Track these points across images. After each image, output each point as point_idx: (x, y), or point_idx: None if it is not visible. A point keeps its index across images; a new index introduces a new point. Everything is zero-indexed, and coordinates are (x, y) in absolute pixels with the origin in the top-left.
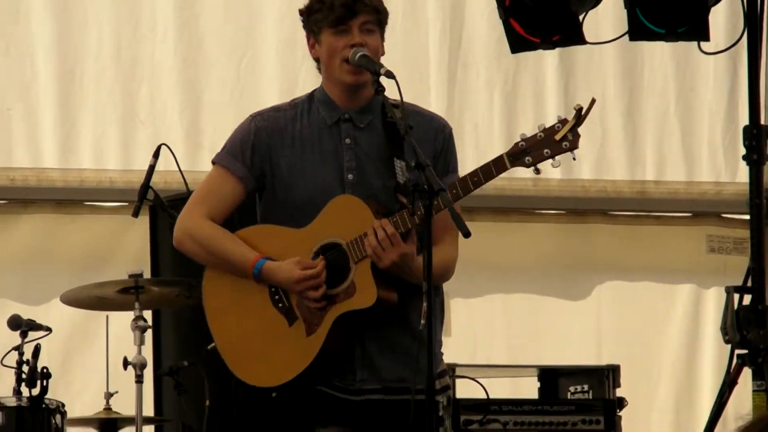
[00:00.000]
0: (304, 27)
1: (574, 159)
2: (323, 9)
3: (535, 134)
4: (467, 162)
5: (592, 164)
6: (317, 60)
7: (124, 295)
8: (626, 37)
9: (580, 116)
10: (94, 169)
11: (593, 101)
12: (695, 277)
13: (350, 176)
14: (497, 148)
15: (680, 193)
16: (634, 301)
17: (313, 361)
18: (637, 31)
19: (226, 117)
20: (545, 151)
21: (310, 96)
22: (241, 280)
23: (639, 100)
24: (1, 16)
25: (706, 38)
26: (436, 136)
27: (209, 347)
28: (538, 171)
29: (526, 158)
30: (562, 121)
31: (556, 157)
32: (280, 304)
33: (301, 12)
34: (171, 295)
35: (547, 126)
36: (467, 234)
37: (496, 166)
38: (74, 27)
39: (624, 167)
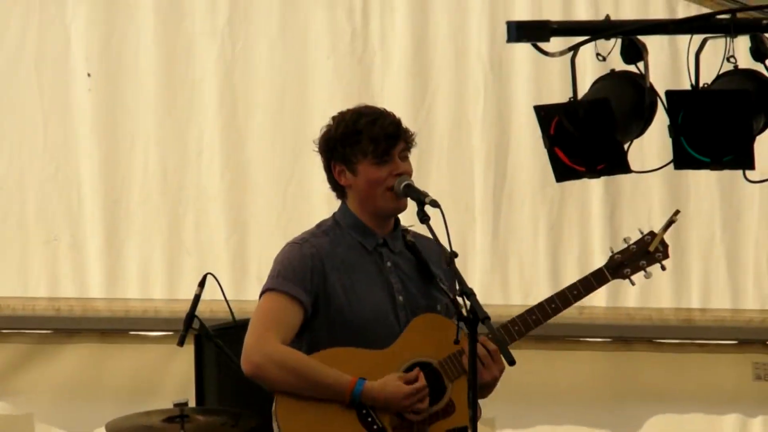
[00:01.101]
0: (332, 154)
1: (663, 269)
2: (363, 140)
3: (628, 246)
4: (512, 291)
5: (638, 292)
6: (344, 187)
7: (170, 424)
8: (671, 165)
9: (668, 227)
10: (140, 298)
11: (677, 212)
12: (741, 406)
13: (400, 298)
14: (542, 278)
15: (726, 320)
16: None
17: None
18: (683, 160)
19: (273, 244)
20: (641, 262)
21: (336, 221)
22: (319, 402)
23: (685, 228)
24: (50, 142)
25: (752, 167)
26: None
27: None
28: (633, 282)
29: (625, 270)
30: (650, 234)
31: (649, 269)
32: (375, 426)
33: (327, 140)
34: (216, 424)
35: (635, 239)
36: (512, 362)
37: (597, 279)
38: (121, 153)
39: (670, 295)
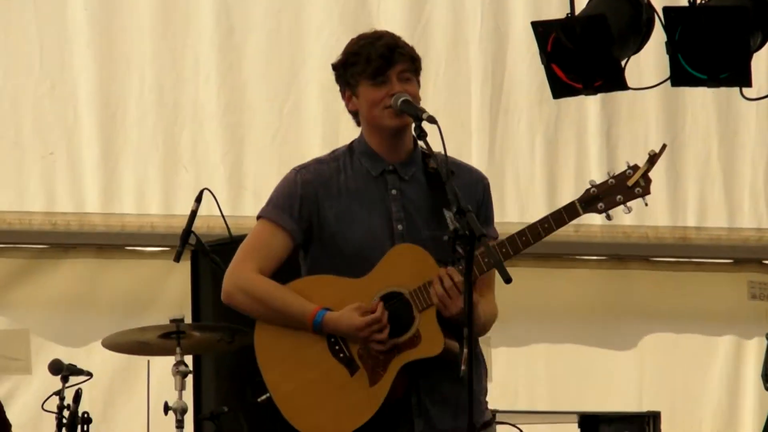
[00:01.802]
0: (339, 81)
1: (646, 205)
2: (360, 62)
3: (606, 180)
4: (509, 207)
5: (634, 210)
6: (354, 113)
7: (166, 340)
8: (668, 82)
9: (652, 162)
10: (136, 214)
11: (664, 146)
12: (736, 324)
13: (399, 227)
14: (539, 194)
15: (722, 239)
16: (676, 349)
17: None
18: (680, 77)
19: (268, 161)
20: (618, 197)
21: (350, 148)
22: (295, 331)
23: (681, 146)
24: (46, 59)
25: (748, 84)
26: (476, 187)
27: (261, 399)
28: (609, 217)
29: (599, 204)
30: (633, 167)
31: (628, 203)
32: (341, 355)
33: (335, 66)
34: (212, 341)
35: (617, 172)
36: (508, 280)
37: (568, 213)
38: (117, 71)
39: (666, 213)
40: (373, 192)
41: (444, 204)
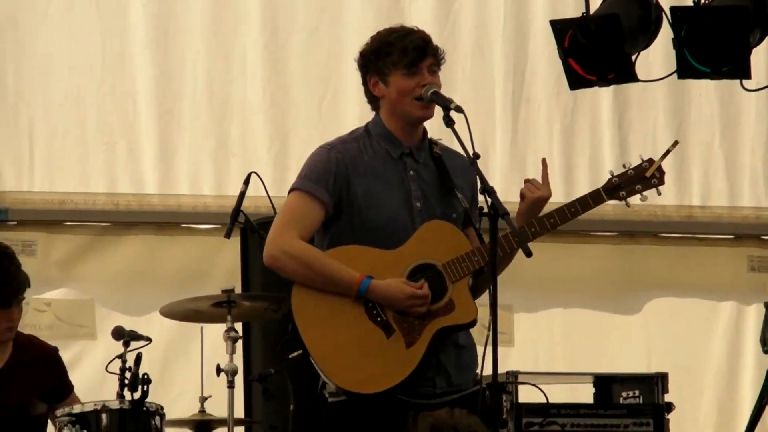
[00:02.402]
0: (367, 67)
1: (659, 194)
2: (394, 52)
3: (626, 171)
4: None
5: (653, 192)
6: (377, 98)
7: (218, 308)
8: (675, 75)
9: (666, 155)
10: (191, 194)
11: (676, 142)
12: (737, 294)
13: (418, 204)
14: (557, 176)
15: (724, 217)
16: (681, 316)
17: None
18: (685, 70)
19: (309, 149)
20: (637, 186)
21: (366, 130)
22: (332, 295)
23: (687, 133)
24: (108, 61)
25: (748, 76)
26: (471, 171)
27: (292, 356)
28: (628, 204)
29: (621, 192)
30: (649, 161)
31: (644, 192)
32: (378, 318)
33: (364, 54)
34: (260, 309)
35: (634, 165)
36: (529, 254)
37: (594, 199)
38: (172, 69)
39: (673, 193)
40: (394, 172)
41: (451, 185)
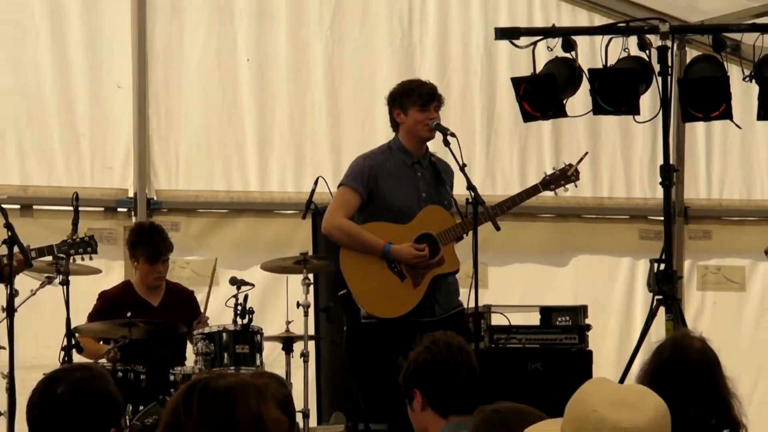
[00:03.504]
0: (394, 103)
1: (576, 187)
2: (413, 95)
3: (554, 172)
4: (498, 186)
5: (570, 185)
6: (398, 124)
7: (297, 265)
8: (591, 112)
9: (580, 162)
10: (279, 191)
11: (586, 153)
12: (631, 254)
13: (423, 194)
14: (515, 181)
15: (623, 203)
16: (595, 268)
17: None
18: (597, 109)
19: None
20: (561, 182)
21: (389, 146)
22: (366, 255)
23: (598, 148)
24: (226, 100)
25: (637, 113)
26: (451, 174)
27: (340, 293)
28: (556, 193)
29: (551, 186)
30: (569, 165)
31: (567, 186)
32: (395, 269)
33: (393, 94)
34: (324, 265)
35: (559, 168)
36: (498, 228)
37: (534, 190)
38: (266, 109)
39: (589, 189)
40: (407, 174)
41: (442, 182)
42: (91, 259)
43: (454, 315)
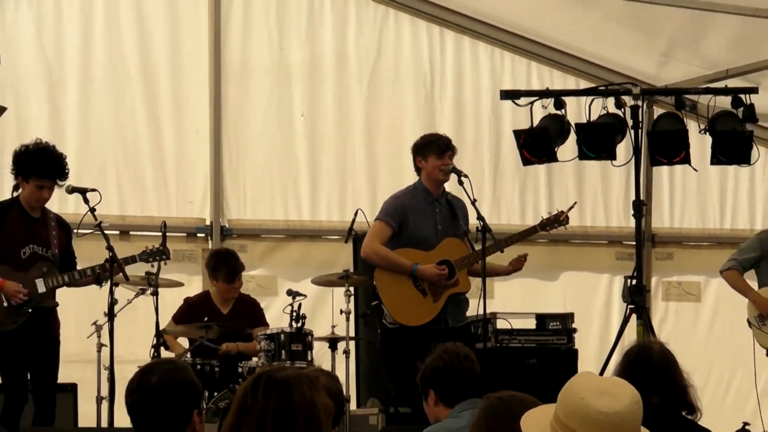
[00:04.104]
0: (417, 152)
1: (566, 229)
2: (433, 146)
3: (550, 216)
4: (503, 218)
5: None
6: (420, 169)
7: (341, 280)
8: (578, 158)
9: (570, 210)
10: (327, 220)
11: (575, 203)
12: (610, 271)
13: (440, 227)
14: (516, 215)
15: (603, 231)
16: (580, 282)
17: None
18: (582, 155)
19: (388, 196)
20: (555, 225)
21: (415, 187)
22: (397, 275)
23: (583, 190)
24: (284, 148)
25: (614, 158)
26: (464, 210)
27: (373, 303)
28: (549, 232)
29: (547, 227)
30: (561, 212)
31: (558, 228)
32: (419, 287)
33: (416, 145)
34: (362, 281)
35: (553, 213)
36: (502, 251)
37: (533, 230)
38: (315, 153)
39: (576, 219)
40: (429, 210)
41: (456, 217)
42: (165, 264)
43: (462, 327)
